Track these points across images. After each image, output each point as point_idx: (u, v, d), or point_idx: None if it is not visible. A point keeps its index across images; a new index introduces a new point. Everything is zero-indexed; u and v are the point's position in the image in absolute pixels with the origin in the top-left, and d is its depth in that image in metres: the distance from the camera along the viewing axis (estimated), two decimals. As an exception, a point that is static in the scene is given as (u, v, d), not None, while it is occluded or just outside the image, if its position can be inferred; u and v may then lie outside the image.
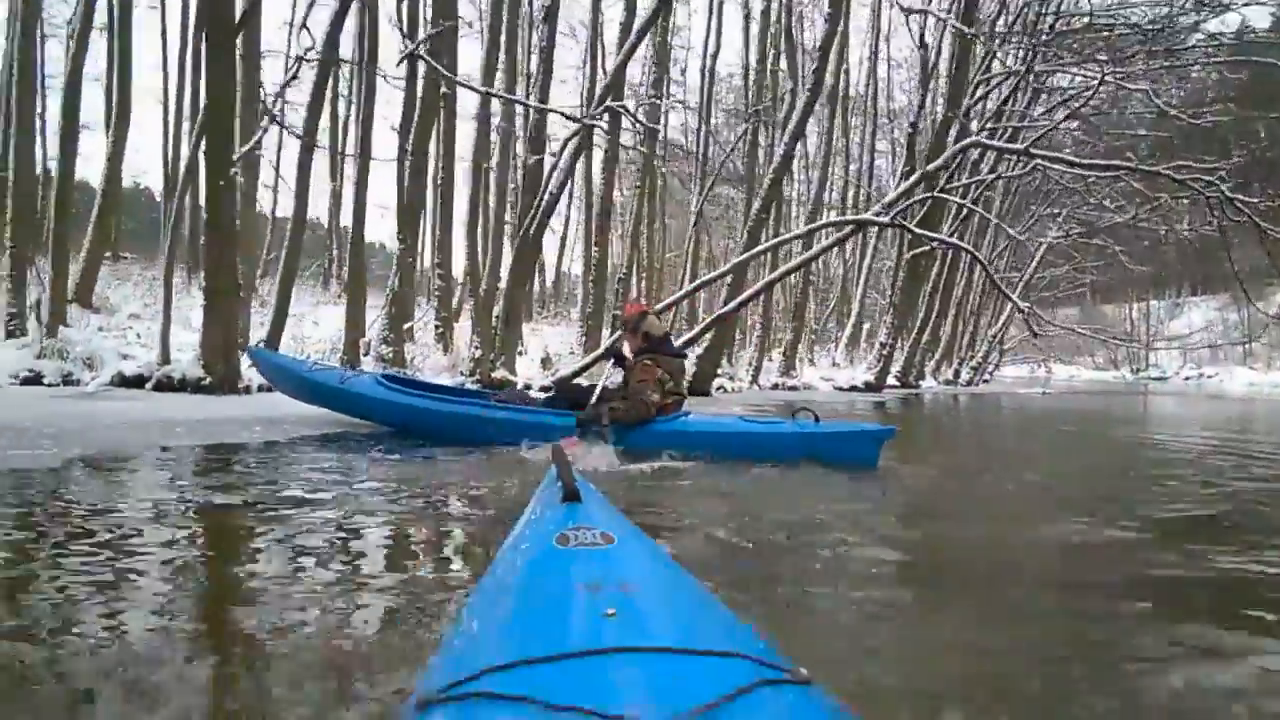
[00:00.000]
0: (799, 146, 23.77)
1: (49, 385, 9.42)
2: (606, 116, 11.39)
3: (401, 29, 8.85)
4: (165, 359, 10.05)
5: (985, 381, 36.34)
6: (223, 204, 9.47)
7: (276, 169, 18.65)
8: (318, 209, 24.85)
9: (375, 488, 4.13)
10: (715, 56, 19.23)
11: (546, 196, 11.56)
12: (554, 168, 11.10)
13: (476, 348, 11.70)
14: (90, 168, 26.91)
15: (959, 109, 16.65)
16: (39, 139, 11.88)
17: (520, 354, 15.42)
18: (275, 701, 1.69)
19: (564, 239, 30.55)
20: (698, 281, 12.66)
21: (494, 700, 0.81)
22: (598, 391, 5.96)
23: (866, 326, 27.53)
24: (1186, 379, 62.13)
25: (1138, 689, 1.93)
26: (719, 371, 16.70)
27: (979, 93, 17.71)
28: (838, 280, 29.83)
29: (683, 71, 24.98)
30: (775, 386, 18.95)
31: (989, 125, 18.76)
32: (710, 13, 19.03)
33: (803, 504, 4.25)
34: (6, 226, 11.56)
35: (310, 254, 24.69)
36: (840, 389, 20.13)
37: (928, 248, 16.90)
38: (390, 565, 2.83)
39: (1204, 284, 71.22)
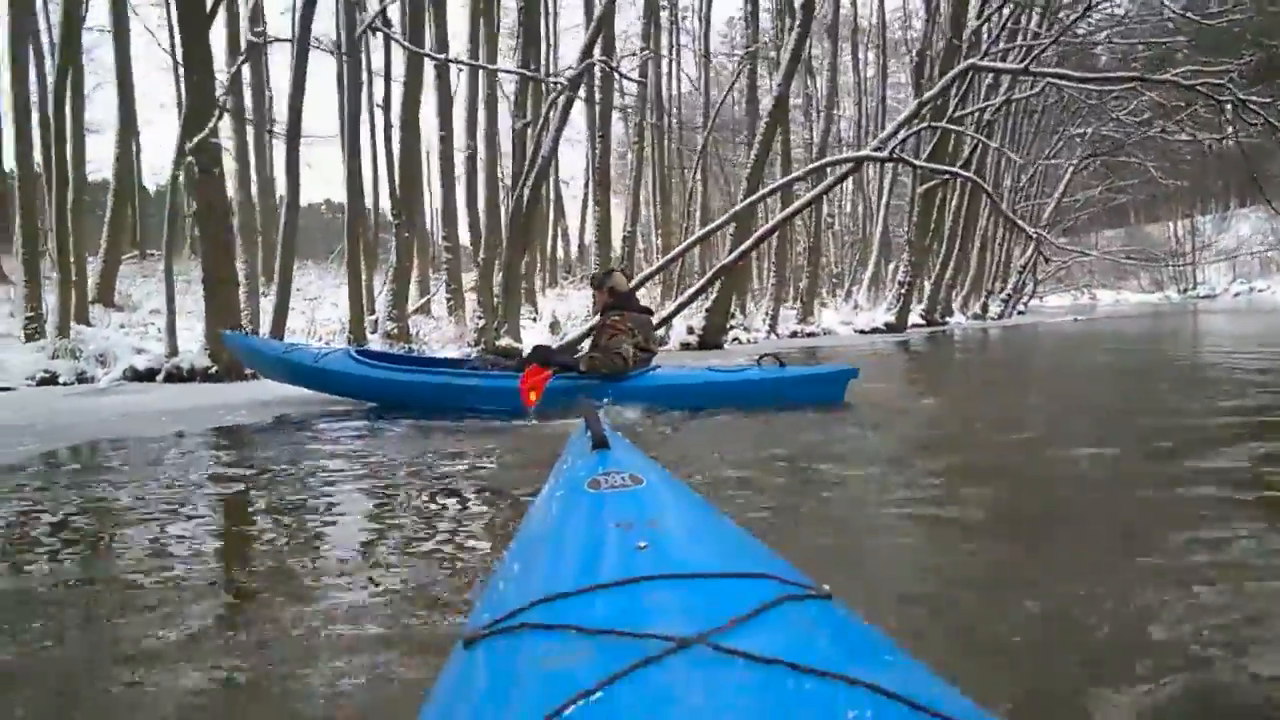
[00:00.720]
0: (809, 86, 23.36)
1: (64, 384, 9.67)
2: (597, 76, 11.16)
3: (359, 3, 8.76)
4: (173, 350, 10.30)
5: (1021, 313, 35.63)
6: (213, 195, 9.60)
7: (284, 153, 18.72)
8: (333, 190, 24.94)
9: (382, 461, 4.31)
10: None
11: (539, 160, 11.51)
12: (540, 130, 11.01)
13: (480, 317, 11.76)
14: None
15: (961, 35, 16.10)
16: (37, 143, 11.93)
17: (534, 320, 15.50)
18: (336, 648, 1.91)
19: (584, 204, 30.40)
20: (697, 234, 12.50)
21: (536, 630, 0.86)
22: (567, 341, 6.12)
23: (892, 266, 27.08)
24: (1236, 294, 60.22)
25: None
26: (733, 323, 16.61)
27: (984, 13, 17.10)
28: (860, 221, 29.34)
29: (682, 19, 24.46)
30: (794, 334, 18.78)
31: (1001, 49, 18.17)
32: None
33: (793, 442, 4.56)
34: (18, 232, 11.84)
35: (337, 235, 24.97)
36: (861, 332, 19.91)
37: (938, 181, 16.49)
38: (427, 527, 3.05)
39: (1251, 194, 68.55)
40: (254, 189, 16.46)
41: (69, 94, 12.11)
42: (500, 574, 1.19)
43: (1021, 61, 14.85)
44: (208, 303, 9.82)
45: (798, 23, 12.64)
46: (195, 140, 8.15)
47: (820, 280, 27.72)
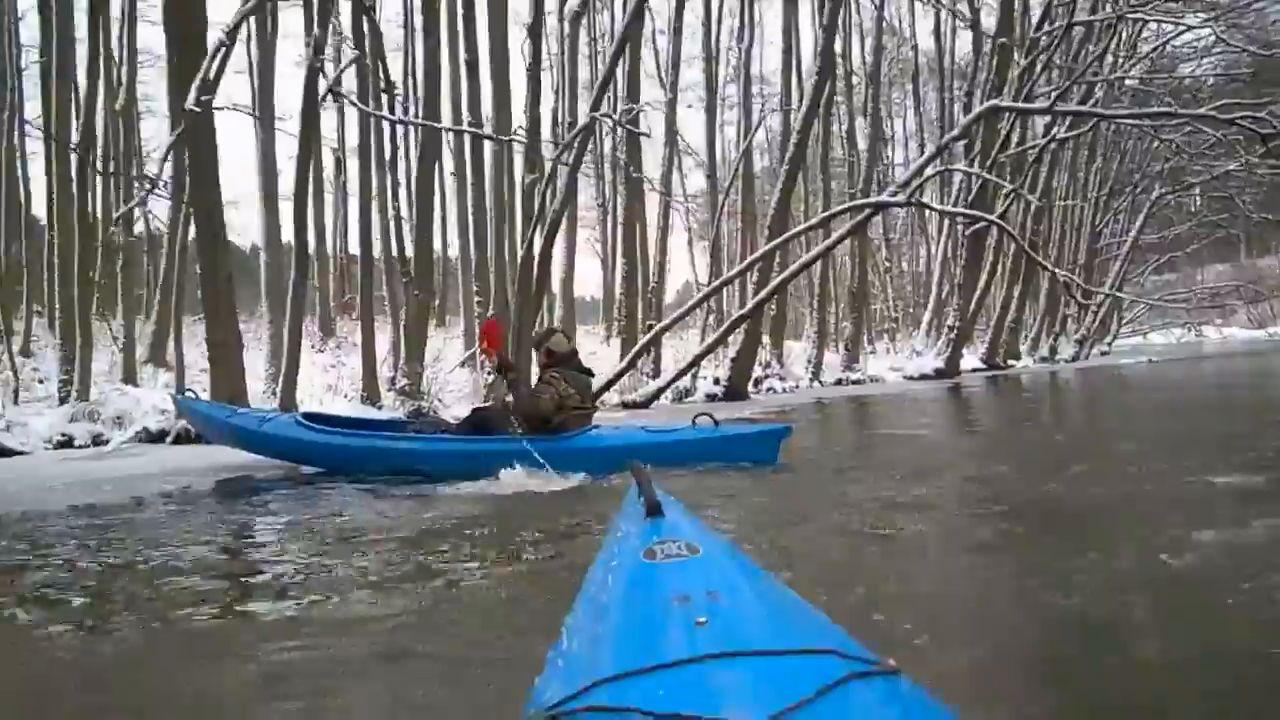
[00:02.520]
0: (847, 128, 22.89)
1: (79, 447, 9.94)
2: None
3: (321, 69, 8.91)
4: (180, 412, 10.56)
5: (1104, 354, 33.79)
6: (216, 259, 9.84)
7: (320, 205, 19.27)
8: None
9: (359, 529, 4.26)
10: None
11: (551, 215, 11.49)
12: (546, 186, 10.98)
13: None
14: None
15: (1005, 73, 15.52)
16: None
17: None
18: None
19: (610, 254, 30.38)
20: (712, 285, 12.23)
21: (600, 713, 0.87)
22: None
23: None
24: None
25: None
26: (768, 371, 16.16)
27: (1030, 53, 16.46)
28: (923, 263, 28.47)
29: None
30: (838, 382, 18.18)
31: (1058, 88, 17.47)
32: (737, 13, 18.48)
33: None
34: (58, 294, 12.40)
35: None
36: (909, 378, 19.13)
37: (986, 224, 15.84)
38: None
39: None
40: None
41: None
42: (560, 650, 1.19)
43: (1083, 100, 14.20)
44: (212, 365, 10.03)
45: (815, 71, 12.37)
46: (121, 212, 8.35)
47: (874, 324, 27.02)
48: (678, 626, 1.02)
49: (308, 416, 6.75)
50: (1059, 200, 24.23)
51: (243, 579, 3.38)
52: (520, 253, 11.71)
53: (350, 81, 13.15)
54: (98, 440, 10.15)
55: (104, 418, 10.79)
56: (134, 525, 4.65)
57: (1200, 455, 6.16)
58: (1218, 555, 3.23)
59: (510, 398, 6.19)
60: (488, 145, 12.72)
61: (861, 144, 19.54)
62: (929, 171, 11.33)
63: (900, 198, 10.87)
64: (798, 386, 17.25)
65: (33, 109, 17.22)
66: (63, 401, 11.85)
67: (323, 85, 8.40)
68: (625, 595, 1.22)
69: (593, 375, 6.60)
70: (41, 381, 14.79)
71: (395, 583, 3.17)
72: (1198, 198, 27.82)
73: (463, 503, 5.02)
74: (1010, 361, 23.62)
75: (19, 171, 18.13)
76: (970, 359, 22.23)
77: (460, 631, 2.64)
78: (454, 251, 22.06)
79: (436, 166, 11.98)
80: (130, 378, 14.84)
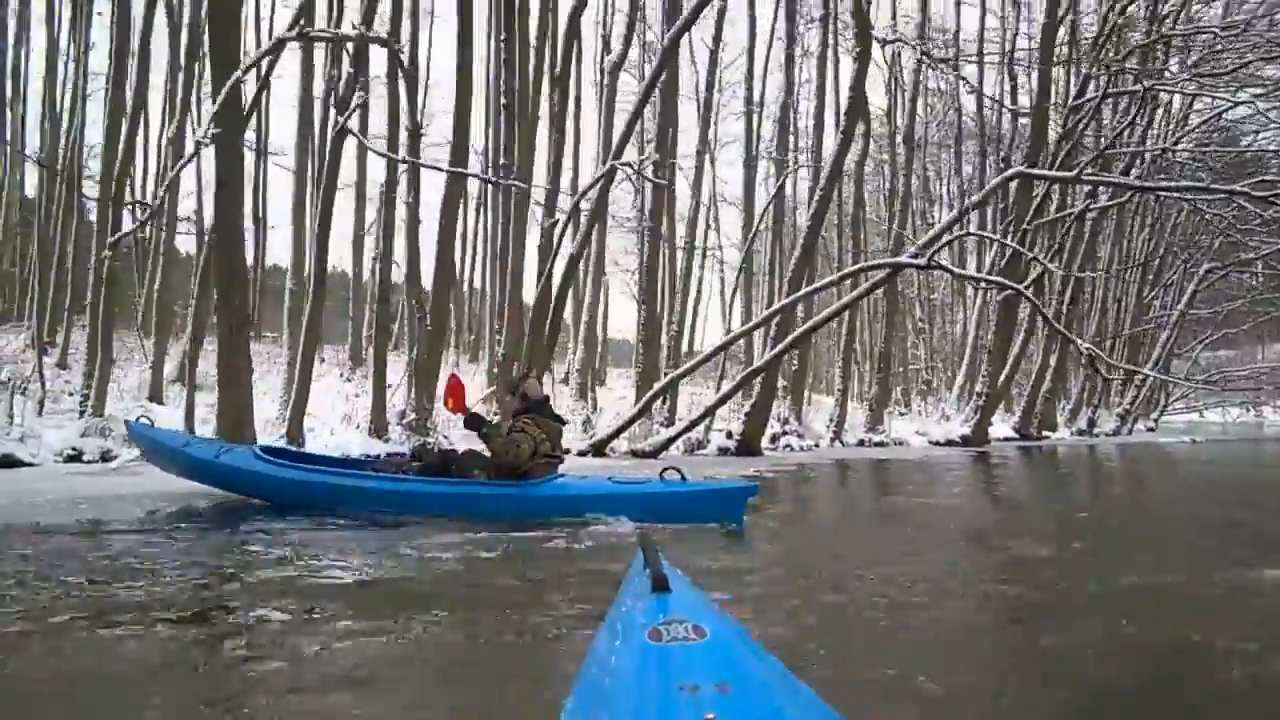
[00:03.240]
0: (890, 187, 22.79)
1: (87, 461, 10.11)
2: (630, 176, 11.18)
3: (333, 103, 9.11)
4: (190, 431, 10.72)
5: (1150, 430, 32.72)
6: (232, 287, 10.04)
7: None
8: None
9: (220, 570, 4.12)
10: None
11: (567, 259, 11.57)
12: (562, 231, 11.06)
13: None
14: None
15: (1043, 137, 15.33)
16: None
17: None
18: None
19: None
20: (731, 335, 12.13)
21: None
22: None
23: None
24: None
25: None
26: (785, 428, 15.92)
27: (1074, 120, 16.28)
28: (959, 325, 28.01)
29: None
30: (860, 443, 17.84)
31: (1100, 154, 17.23)
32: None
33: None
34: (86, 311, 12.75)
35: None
36: (935, 443, 18.69)
37: (1014, 293, 15.57)
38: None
39: None
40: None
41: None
42: None
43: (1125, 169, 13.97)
44: (221, 390, 10.20)
45: (841, 130, 12.35)
46: (112, 240, 8.59)
47: (909, 385, 26.54)
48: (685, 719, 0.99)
49: (266, 450, 6.63)
50: (1102, 271, 23.71)
51: (148, 613, 3.33)
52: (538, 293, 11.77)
53: (380, 115, 13.44)
54: (105, 456, 10.33)
55: (115, 434, 11.00)
56: (73, 552, 4.61)
57: (1215, 541, 5.86)
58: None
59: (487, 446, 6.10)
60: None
61: (897, 204, 19.43)
62: (957, 234, 11.12)
63: (920, 260, 10.72)
64: (817, 445, 16.96)
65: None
66: (81, 415, 12.13)
67: (344, 121, 8.55)
68: (628, 680, 1.18)
69: (564, 423, 6.50)
70: (71, 394, 15.09)
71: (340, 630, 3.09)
72: (1259, 274, 26.90)
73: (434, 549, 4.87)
74: (1045, 433, 22.99)
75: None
76: (1002, 428, 21.70)
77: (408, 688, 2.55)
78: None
79: (461, 203, 12.04)
80: (156, 396, 15.18)
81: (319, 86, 14.37)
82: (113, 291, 11.56)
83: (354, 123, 11.14)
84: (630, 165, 10.82)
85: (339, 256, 30.04)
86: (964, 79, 14.36)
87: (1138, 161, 17.70)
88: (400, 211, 12.23)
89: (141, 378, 15.45)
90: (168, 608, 3.43)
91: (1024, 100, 19.69)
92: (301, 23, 9.54)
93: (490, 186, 14.20)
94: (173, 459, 6.76)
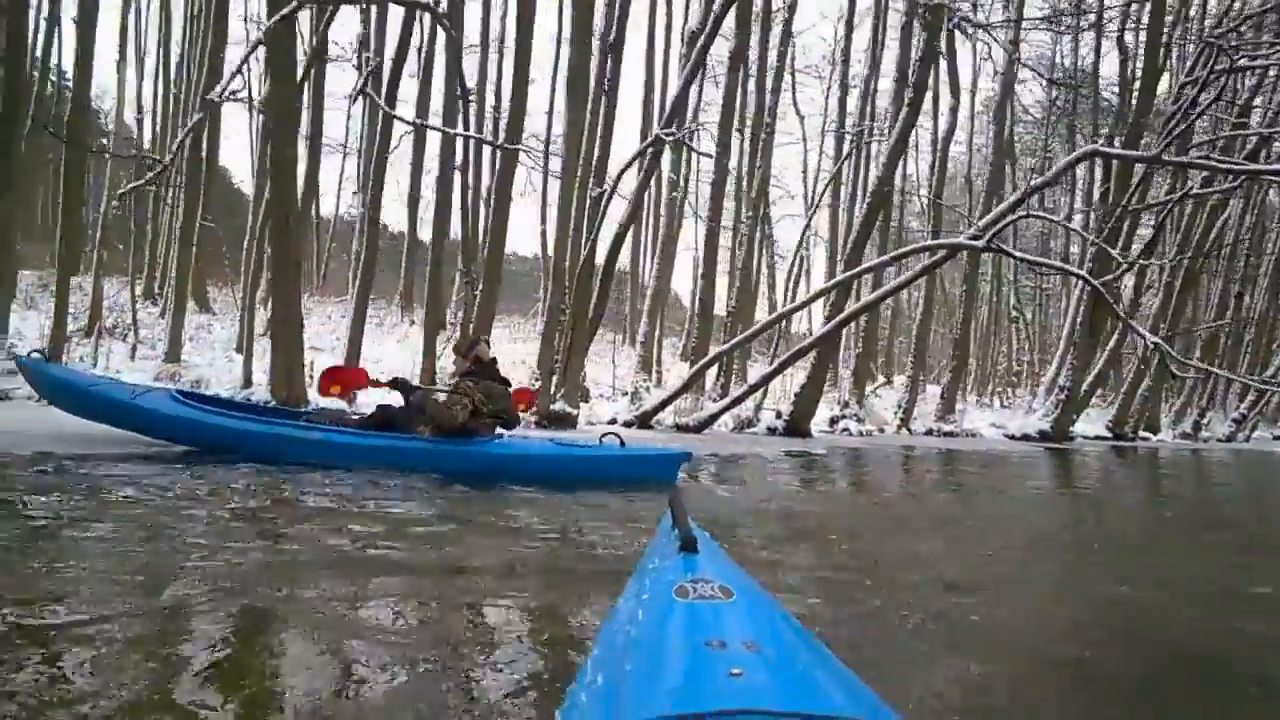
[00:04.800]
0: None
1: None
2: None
3: (358, 65, 9.30)
4: (247, 383, 11.38)
5: (1277, 437, 30.15)
6: (286, 246, 10.52)
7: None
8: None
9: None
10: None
11: (617, 228, 11.59)
12: (606, 200, 11.06)
13: (537, 379, 11.87)
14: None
15: (1146, 114, 14.23)
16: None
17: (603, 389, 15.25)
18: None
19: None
20: (780, 312, 11.88)
21: None
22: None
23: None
24: None
25: None
26: (845, 412, 15.54)
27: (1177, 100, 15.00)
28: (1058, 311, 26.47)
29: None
30: (929, 432, 17.20)
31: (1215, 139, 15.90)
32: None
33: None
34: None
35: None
36: (1011, 437, 17.82)
37: (1116, 274, 14.60)
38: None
39: None
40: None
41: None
42: (585, 683, 1.18)
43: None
44: (273, 341, 10.73)
45: (906, 103, 11.78)
46: (121, 191, 9.02)
47: (997, 375, 25.34)
48: (713, 675, 1.00)
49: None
50: (1213, 259, 21.82)
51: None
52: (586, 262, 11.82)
53: (440, 82, 13.69)
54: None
55: (184, 380, 11.79)
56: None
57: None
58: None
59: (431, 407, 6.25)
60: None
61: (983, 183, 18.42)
62: (1018, 215, 10.47)
63: (979, 243, 10.19)
64: (883, 431, 16.48)
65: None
66: (167, 359, 13.04)
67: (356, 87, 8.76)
68: (656, 633, 1.20)
69: (509, 385, 6.57)
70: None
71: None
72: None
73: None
74: (1145, 434, 21.56)
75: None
76: (1094, 425, 20.50)
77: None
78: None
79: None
80: (243, 346, 16.12)
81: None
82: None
83: (409, 91, 11.42)
84: (673, 134, 10.69)
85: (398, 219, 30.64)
86: (1010, 49, 13.26)
87: (1268, 144, 16.14)
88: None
89: (233, 329, 16.34)
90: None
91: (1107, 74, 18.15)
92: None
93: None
94: (78, 399, 6.37)
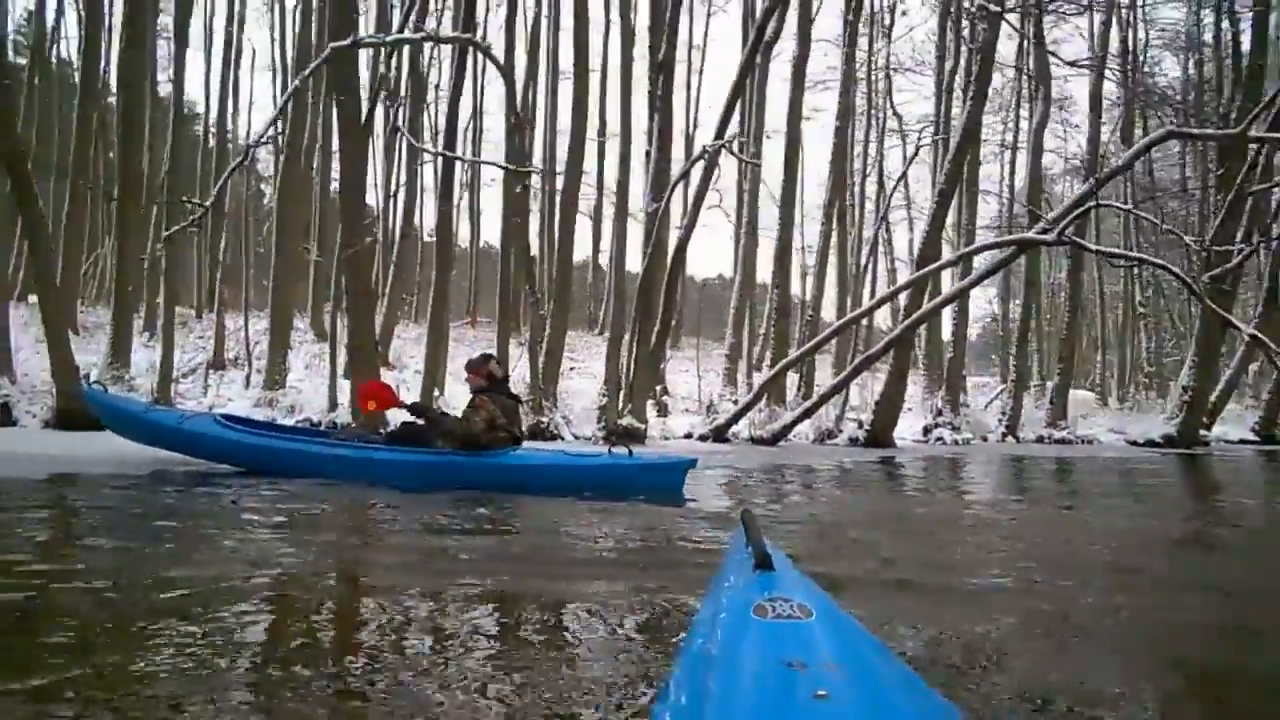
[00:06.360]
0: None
1: (250, 427, 11.65)
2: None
3: (388, 107, 9.66)
4: (332, 405, 12.05)
5: None
6: (359, 274, 11.13)
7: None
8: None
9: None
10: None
11: (677, 240, 11.65)
12: (658, 212, 11.13)
13: (604, 394, 12.01)
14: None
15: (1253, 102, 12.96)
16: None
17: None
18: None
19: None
20: (849, 316, 11.56)
21: None
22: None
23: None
24: None
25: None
26: (939, 420, 14.87)
27: None
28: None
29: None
30: (1040, 439, 16.16)
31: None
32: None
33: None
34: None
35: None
36: (1133, 443, 16.48)
37: (1232, 265, 13.41)
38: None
39: None
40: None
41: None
42: (667, 704, 1.19)
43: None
44: (352, 368, 11.32)
45: (970, 98, 11.21)
46: (168, 233, 9.61)
47: (1127, 376, 23.52)
48: (797, 696, 0.99)
49: (227, 418, 6.90)
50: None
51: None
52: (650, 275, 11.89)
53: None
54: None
55: (281, 405, 12.62)
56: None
57: None
58: None
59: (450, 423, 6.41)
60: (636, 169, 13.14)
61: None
62: (1089, 205, 9.75)
63: (1049, 236, 9.58)
64: (985, 439, 15.63)
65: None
66: (267, 387, 13.99)
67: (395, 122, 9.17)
68: (736, 652, 1.18)
69: (520, 400, 6.77)
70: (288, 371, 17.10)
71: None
72: None
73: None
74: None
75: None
76: (1237, 428, 18.71)
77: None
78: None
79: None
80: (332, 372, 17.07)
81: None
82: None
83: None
84: (727, 145, 10.63)
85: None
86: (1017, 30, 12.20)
87: None
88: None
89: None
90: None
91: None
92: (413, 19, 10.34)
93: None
94: (134, 425, 6.84)
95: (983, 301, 28.79)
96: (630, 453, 6.24)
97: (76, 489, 5.69)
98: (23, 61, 23.12)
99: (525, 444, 6.75)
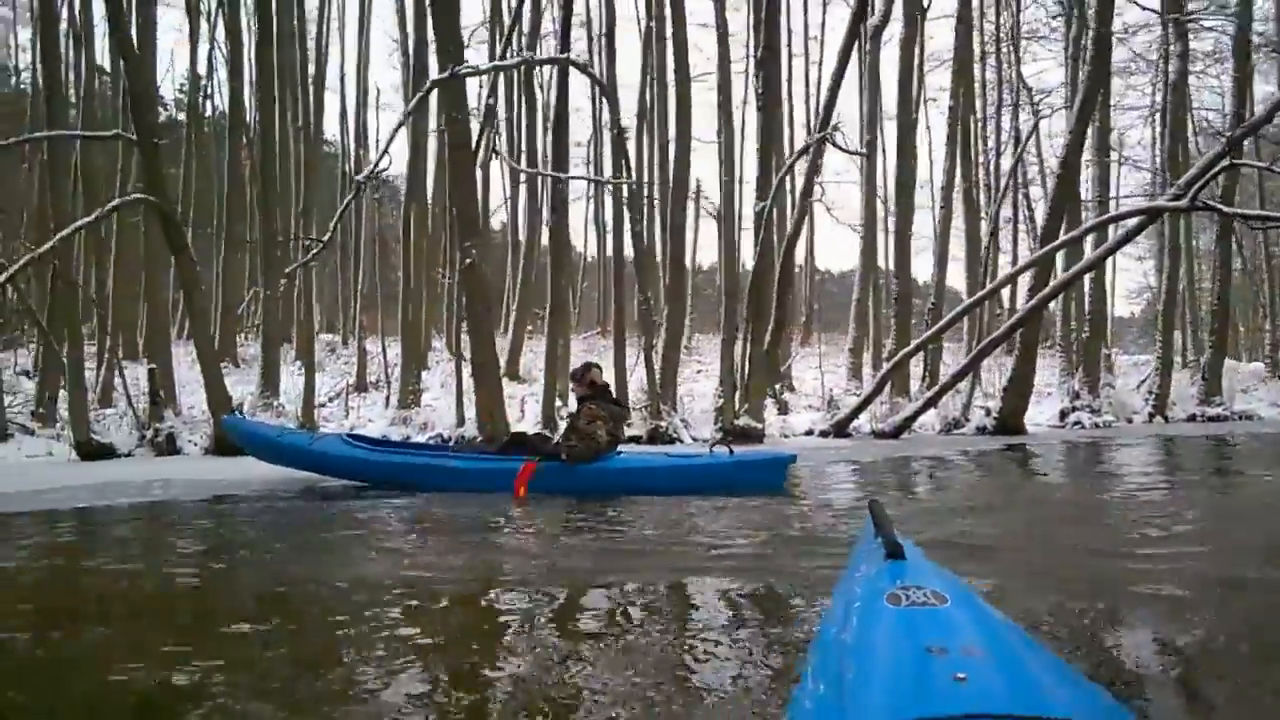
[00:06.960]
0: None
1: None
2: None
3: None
4: (460, 421, 12.57)
5: None
6: (475, 288, 11.57)
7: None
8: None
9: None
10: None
11: (785, 243, 11.63)
12: (765, 209, 11.13)
13: (720, 395, 12.07)
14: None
15: None
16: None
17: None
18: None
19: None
20: (973, 299, 11.18)
21: None
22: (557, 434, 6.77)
23: None
24: None
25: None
26: (1076, 404, 14.13)
27: None
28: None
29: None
30: (1192, 418, 15.08)
31: None
32: None
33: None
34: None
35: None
36: (1301, 417, 15.12)
37: None
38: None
39: None
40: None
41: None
42: (806, 691, 1.20)
43: None
44: (476, 384, 11.79)
45: (1086, 66, 10.59)
46: (288, 270, 10.20)
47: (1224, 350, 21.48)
48: (938, 680, 0.99)
49: (352, 437, 7.47)
50: None
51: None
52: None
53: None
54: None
55: (414, 423, 13.30)
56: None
57: None
58: None
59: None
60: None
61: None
62: (1223, 165, 9.08)
63: (1182, 202, 8.99)
64: (1130, 421, 14.73)
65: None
66: (402, 405, 14.74)
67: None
68: (873, 640, 1.19)
69: (624, 406, 7.11)
70: (424, 390, 17.94)
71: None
72: None
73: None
74: None
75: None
76: None
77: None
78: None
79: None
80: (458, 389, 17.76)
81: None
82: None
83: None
84: (825, 136, 10.49)
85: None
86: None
87: None
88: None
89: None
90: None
91: None
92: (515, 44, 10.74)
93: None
94: (270, 448, 7.38)
95: (1139, 275, 27.14)
96: (731, 451, 6.49)
97: (237, 506, 6.35)
98: (183, 117, 25.46)
99: (631, 447, 7.00)
